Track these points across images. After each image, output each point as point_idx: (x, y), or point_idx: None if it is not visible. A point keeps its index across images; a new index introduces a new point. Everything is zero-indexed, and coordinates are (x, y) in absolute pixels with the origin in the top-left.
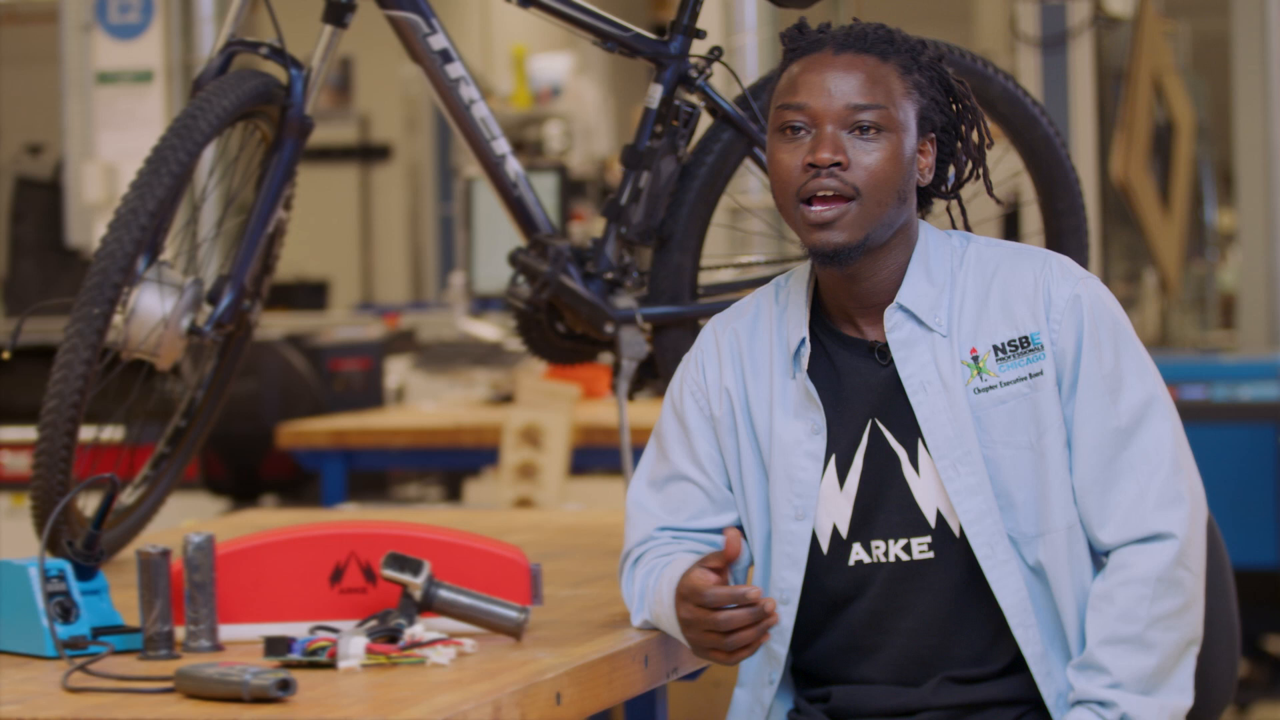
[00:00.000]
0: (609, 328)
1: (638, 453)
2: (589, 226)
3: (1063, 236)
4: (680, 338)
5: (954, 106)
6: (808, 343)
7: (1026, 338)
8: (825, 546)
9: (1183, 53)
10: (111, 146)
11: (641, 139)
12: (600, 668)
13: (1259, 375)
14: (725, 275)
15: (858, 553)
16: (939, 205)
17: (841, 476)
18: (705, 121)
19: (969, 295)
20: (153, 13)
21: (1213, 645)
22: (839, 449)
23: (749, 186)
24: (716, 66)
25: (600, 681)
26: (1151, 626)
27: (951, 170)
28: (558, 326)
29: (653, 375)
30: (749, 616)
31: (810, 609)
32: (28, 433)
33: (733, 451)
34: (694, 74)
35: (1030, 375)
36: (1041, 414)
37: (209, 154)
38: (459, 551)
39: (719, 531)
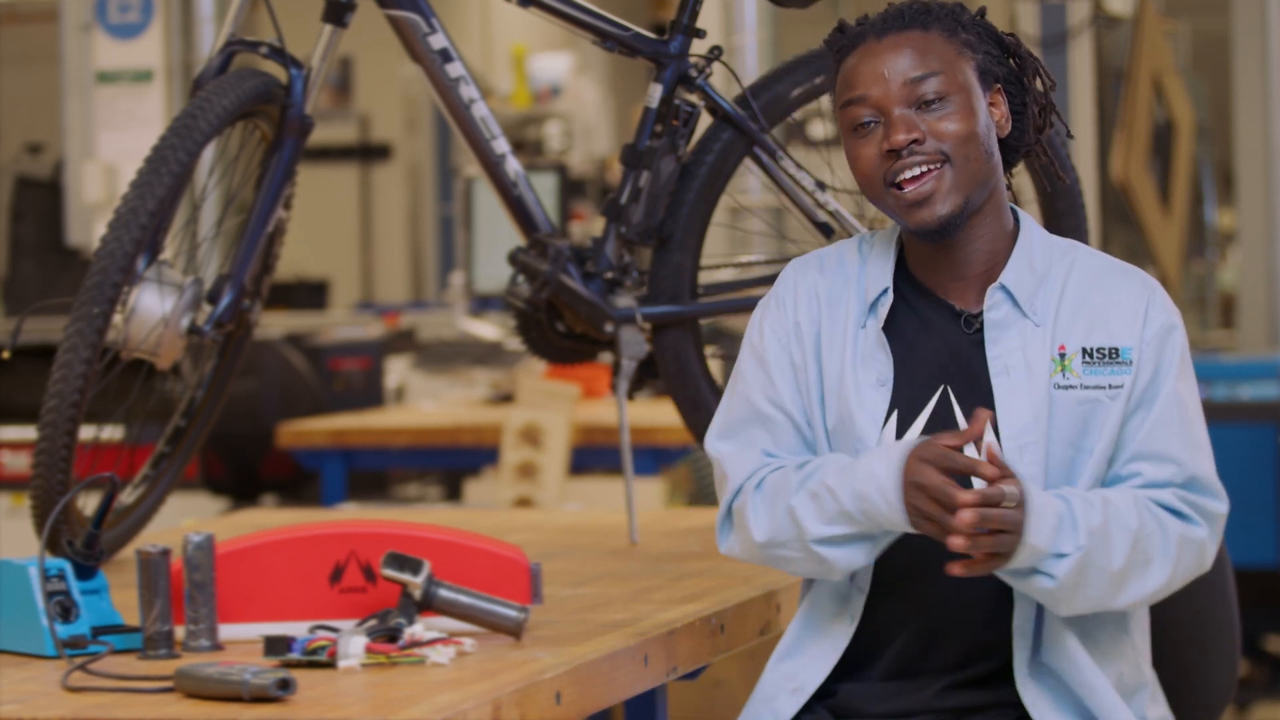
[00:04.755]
0: (609, 327)
1: (638, 452)
2: (589, 226)
3: (1062, 237)
4: (680, 337)
5: (1010, 60)
6: (890, 293)
7: (1117, 349)
8: None
9: (1183, 53)
10: (111, 146)
11: (641, 138)
12: (600, 667)
13: (1259, 375)
14: (725, 275)
15: None
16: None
17: (901, 432)
18: (705, 121)
19: (1069, 294)
20: (153, 12)
21: (1213, 645)
22: (903, 405)
23: (749, 186)
24: (716, 66)
25: (600, 681)
26: (1156, 533)
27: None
28: (558, 326)
29: (653, 375)
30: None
31: None
32: (28, 432)
33: (804, 390)
34: (694, 73)
35: (1110, 386)
36: (1106, 425)
37: (209, 154)
38: (459, 551)
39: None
